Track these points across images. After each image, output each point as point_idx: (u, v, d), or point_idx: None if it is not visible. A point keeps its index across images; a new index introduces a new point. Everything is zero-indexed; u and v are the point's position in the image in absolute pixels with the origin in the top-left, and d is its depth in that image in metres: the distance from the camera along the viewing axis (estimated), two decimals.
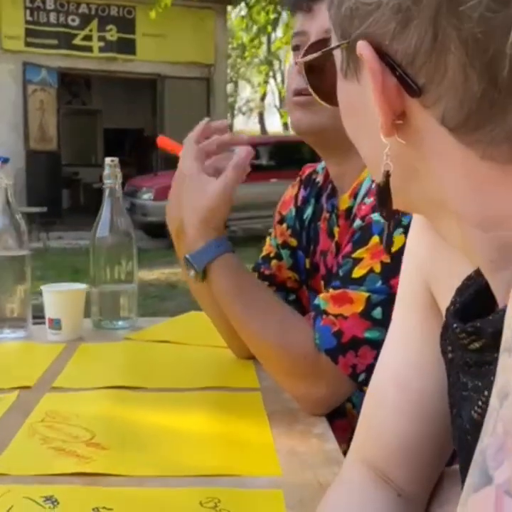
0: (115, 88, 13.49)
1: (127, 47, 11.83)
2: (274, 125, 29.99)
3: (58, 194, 11.70)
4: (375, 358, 0.93)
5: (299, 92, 1.04)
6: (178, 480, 0.78)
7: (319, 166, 1.25)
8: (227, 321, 1.22)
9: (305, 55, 0.55)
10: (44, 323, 1.41)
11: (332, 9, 0.47)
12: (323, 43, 0.52)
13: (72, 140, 13.30)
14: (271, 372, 1.04)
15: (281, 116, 26.18)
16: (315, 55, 0.51)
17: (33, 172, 10.97)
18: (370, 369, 0.94)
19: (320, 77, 0.50)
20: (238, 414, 0.99)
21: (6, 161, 1.37)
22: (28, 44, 11.09)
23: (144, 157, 14.46)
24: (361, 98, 0.46)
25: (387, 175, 0.46)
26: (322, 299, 0.98)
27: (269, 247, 1.28)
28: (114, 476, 0.78)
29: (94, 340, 1.40)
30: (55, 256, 8.64)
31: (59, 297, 1.38)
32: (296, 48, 1.06)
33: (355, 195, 1.07)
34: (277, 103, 29.27)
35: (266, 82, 25.47)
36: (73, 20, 11.52)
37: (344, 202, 1.09)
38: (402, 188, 0.47)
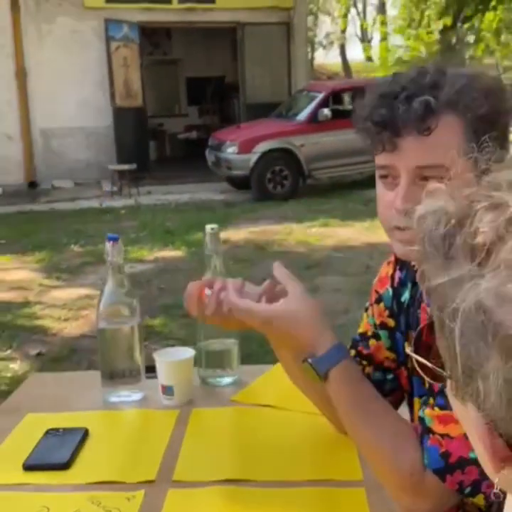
0: (195, 37, 13.43)
1: None
2: (356, 55, 28.96)
3: (145, 148, 11.89)
4: (480, 475, 0.98)
5: (399, 228, 1.06)
6: None
7: None
8: (326, 403, 1.28)
9: (416, 341, 0.58)
10: (155, 377, 1.52)
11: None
12: (430, 328, 0.56)
13: (155, 91, 13.40)
14: (378, 477, 1.09)
15: (364, 50, 25.22)
16: (429, 364, 0.55)
17: (120, 128, 11.19)
18: (475, 484, 0.99)
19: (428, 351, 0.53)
20: None
21: (116, 240, 1.46)
22: (108, 0, 11.14)
23: (225, 104, 14.43)
24: (466, 418, 0.50)
25: (497, 497, 0.50)
26: (427, 416, 1.02)
27: (366, 324, 1.32)
28: None
29: (203, 402, 1.51)
30: (145, 214, 8.87)
31: (171, 366, 1.49)
32: (383, 177, 1.06)
33: None
34: (359, 33, 28.25)
35: (346, 15, 24.57)
36: None
37: None
38: None
